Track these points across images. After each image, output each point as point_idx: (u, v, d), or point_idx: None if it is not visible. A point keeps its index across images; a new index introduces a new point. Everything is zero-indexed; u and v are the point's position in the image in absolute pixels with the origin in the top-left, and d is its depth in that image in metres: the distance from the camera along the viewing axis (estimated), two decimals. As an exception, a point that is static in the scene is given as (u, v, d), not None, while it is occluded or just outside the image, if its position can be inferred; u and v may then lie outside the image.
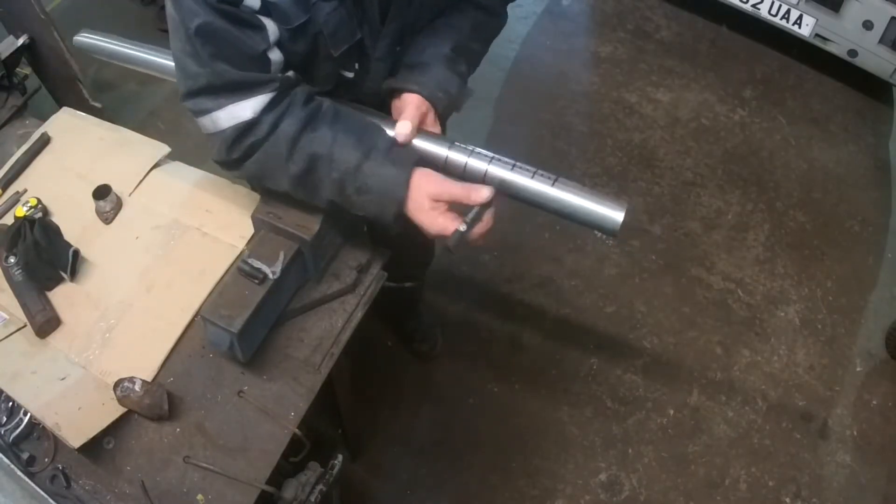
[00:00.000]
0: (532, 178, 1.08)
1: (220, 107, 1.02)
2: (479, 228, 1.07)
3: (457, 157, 1.12)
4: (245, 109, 1.02)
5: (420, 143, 1.14)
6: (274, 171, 1.08)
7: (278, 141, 1.04)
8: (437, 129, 1.19)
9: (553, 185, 1.07)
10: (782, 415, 2.28)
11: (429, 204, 1.06)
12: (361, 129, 1.09)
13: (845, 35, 2.92)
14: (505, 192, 1.09)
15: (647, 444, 2.21)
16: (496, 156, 1.11)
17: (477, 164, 1.10)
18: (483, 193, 1.06)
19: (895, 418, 2.29)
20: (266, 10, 1.00)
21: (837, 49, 2.99)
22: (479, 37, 1.27)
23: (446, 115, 1.24)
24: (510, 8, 1.35)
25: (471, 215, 1.06)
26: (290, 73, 1.09)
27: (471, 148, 1.12)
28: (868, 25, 2.82)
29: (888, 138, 3.09)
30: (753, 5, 3.08)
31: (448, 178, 1.08)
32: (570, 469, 2.16)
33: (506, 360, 2.37)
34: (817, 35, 3.00)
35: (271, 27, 1.02)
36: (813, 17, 2.96)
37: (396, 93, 1.19)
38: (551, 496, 2.11)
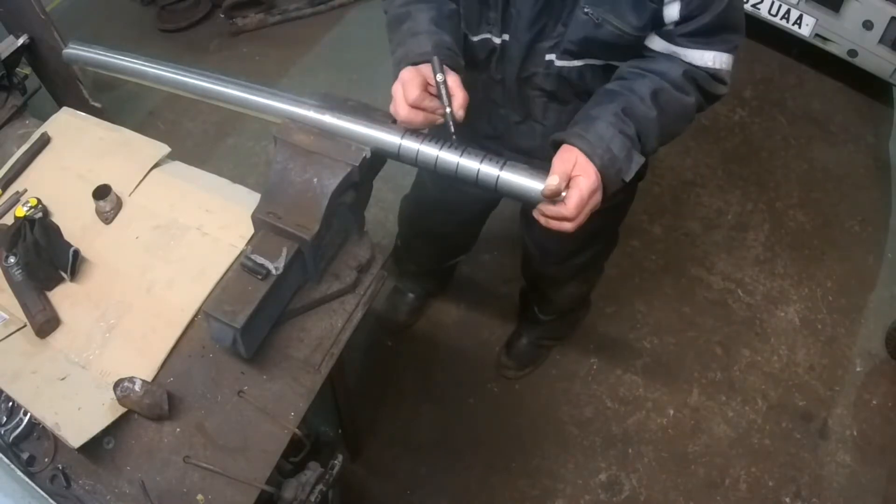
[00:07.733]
0: (461, 156, 1.13)
1: None
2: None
3: (410, 144, 1.17)
4: None
5: (375, 133, 1.19)
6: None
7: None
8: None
9: (481, 161, 1.12)
10: (782, 415, 2.28)
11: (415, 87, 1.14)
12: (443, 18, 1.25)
13: (845, 35, 2.91)
14: (438, 169, 1.15)
15: (647, 444, 2.21)
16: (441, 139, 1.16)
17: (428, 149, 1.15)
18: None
19: (895, 418, 2.29)
20: None
21: (837, 49, 2.99)
22: (657, 105, 1.21)
23: (612, 183, 1.17)
24: None
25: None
26: None
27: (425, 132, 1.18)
28: (868, 25, 2.81)
29: (888, 138, 3.09)
30: (753, 5, 3.07)
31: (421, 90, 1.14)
32: (570, 469, 2.16)
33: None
34: (817, 35, 3.00)
35: None
36: (813, 17, 2.95)
37: (559, 144, 1.17)
38: (551, 496, 2.11)
